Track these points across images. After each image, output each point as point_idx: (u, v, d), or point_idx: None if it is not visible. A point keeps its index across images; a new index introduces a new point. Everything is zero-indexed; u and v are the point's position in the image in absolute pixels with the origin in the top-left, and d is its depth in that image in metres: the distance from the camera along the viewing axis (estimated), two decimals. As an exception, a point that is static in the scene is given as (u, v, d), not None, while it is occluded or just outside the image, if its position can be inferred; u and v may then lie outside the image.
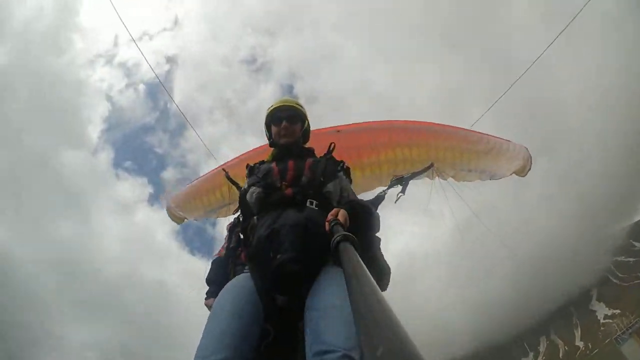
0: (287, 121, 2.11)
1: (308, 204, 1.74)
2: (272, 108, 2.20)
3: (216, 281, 2.37)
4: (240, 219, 2.00)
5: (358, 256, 0.79)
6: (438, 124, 4.97)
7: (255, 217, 1.82)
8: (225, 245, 2.33)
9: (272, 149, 2.24)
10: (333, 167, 1.98)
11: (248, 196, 1.88)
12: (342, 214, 1.44)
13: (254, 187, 1.88)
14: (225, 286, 1.60)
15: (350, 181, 2.07)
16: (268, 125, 2.22)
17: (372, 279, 0.62)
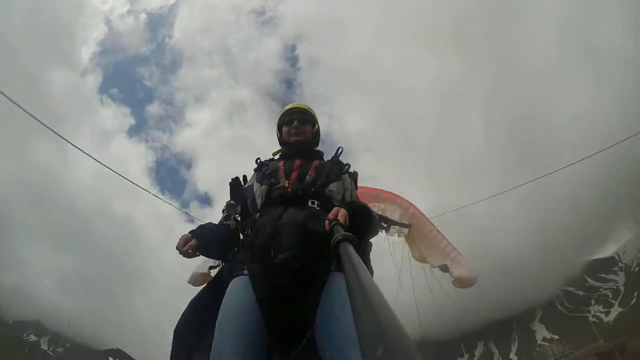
0: (298, 121, 2.16)
1: (310, 203, 1.77)
2: (284, 110, 2.26)
3: (207, 232, 2.12)
4: (238, 219, 2.01)
5: (358, 256, 0.78)
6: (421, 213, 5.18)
7: (257, 215, 1.81)
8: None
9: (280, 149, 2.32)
10: (338, 169, 2.01)
11: (253, 192, 1.92)
12: (342, 214, 1.44)
13: (258, 184, 1.91)
14: (226, 298, 1.58)
15: (356, 187, 2.10)
16: (280, 127, 2.26)
17: (372, 279, 0.61)
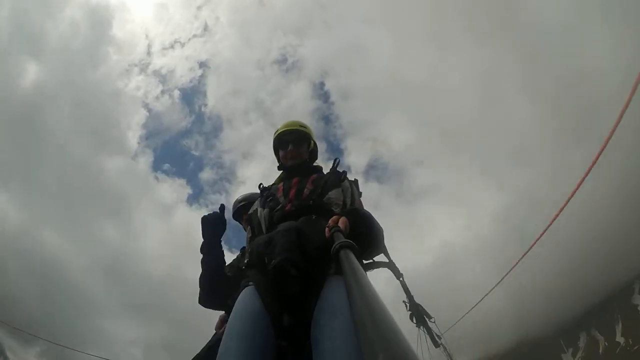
0: (292, 144, 2.19)
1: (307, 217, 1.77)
2: (277, 133, 2.28)
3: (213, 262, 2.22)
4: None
5: (358, 263, 0.79)
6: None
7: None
8: None
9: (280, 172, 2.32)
10: (336, 178, 2.02)
11: (258, 217, 1.97)
12: (342, 221, 1.45)
13: (261, 208, 1.96)
14: (234, 308, 1.57)
15: (360, 194, 2.09)
16: (276, 150, 2.29)
17: (373, 286, 0.63)
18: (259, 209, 1.96)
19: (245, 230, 2.60)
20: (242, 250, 2.49)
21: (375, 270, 1.75)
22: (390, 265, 1.79)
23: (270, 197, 1.95)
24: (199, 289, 2.17)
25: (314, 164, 2.29)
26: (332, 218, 1.46)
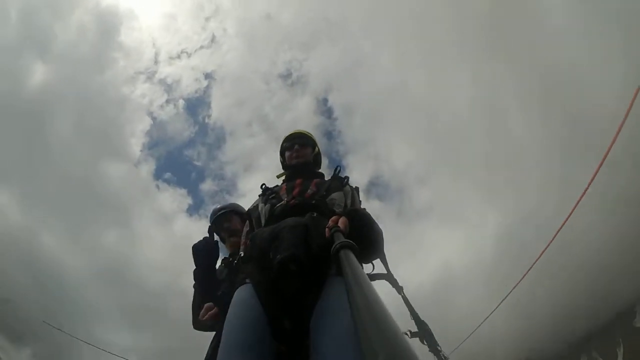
0: (298, 145, 2.31)
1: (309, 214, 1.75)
2: (285, 137, 2.42)
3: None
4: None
5: (358, 263, 0.80)
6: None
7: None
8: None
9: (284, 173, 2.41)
10: (338, 182, 2.08)
11: (258, 211, 1.98)
12: (342, 221, 1.45)
13: (263, 204, 1.98)
14: (231, 308, 1.55)
15: (360, 202, 2.12)
16: (282, 153, 2.40)
17: (373, 286, 0.63)
18: (261, 205, 1.97)
19: (224, 242, 2.57)
20: (224, 261, 2.43)
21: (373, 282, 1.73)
22: (389, 277, 1.76)
23: (273, 195, 1.97)
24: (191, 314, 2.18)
25: (318, 171, 2.35)
26: (332, 218, 1.45)
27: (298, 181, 2.03)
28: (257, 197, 2.11)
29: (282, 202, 1.87)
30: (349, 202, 1.95)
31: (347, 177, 2.13)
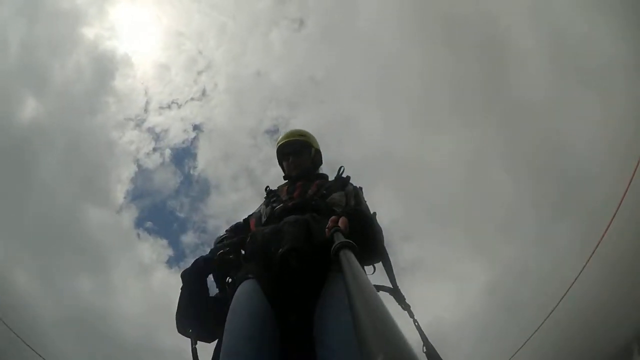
0: (292, 156, 2.24)
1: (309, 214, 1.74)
2: (278, 145, 2.33)
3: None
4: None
5: (358, 263, 0.79)
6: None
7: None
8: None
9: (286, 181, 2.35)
10: (340, 183, 2.06)
11: (260, 212, 1.99)
12: (342, 221, 1.41)
13: (264, 206, 1.99)
14: (235, 302, 1.52)
15: (366, 201, 2.10)
16: (280, 162, 2.36)
17: (373, 286, 0.63)
18: (262, 207, 2.00)
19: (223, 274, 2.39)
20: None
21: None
22: (395, 292, 1.74)
23: (275, 198, 1.98)
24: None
25: (320, 172, 2.32)
26: (331, 218, 1.43)
27: (299, 184, 2.04)
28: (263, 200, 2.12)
29: (282, 203, 1.88)
30: (352, 202, 1.94)
31: (348, 177, 2.12)
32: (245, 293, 1.53)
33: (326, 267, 1.47)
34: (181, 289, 1.99)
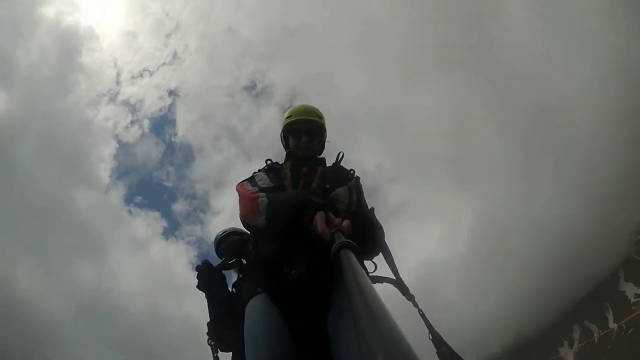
0: (307, 136, 2.08)
1: None
2: (292, 119, 2.13)
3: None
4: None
5: (359, 263, 0.80)
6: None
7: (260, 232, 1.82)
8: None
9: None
10: (342, 175, 2.01)
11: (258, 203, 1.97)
12: (345, 223, 1.50)
13: (263, 194, 1.84)
14: (250, 320, 1.53)
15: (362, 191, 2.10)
16: (286, 133, 2.17)
17: (373, 286, 0.63)
18: (260, 194, 1.87)
19: (233, 270, 2.44)
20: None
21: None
22: (398, 283, 1.77)
23: (278, 184, 1.89)
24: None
25: (321, 157, 2.22)
26: (335, 221, 1.40)
27: (304, 170, 1.95)
28: (259, 170, 2.02)
29: None
30: (354, 198, 1.93)
31: (352, 170, 2.06)
32: (260, 312, 1.53)
33: (335, 278, 1.47)
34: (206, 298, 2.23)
